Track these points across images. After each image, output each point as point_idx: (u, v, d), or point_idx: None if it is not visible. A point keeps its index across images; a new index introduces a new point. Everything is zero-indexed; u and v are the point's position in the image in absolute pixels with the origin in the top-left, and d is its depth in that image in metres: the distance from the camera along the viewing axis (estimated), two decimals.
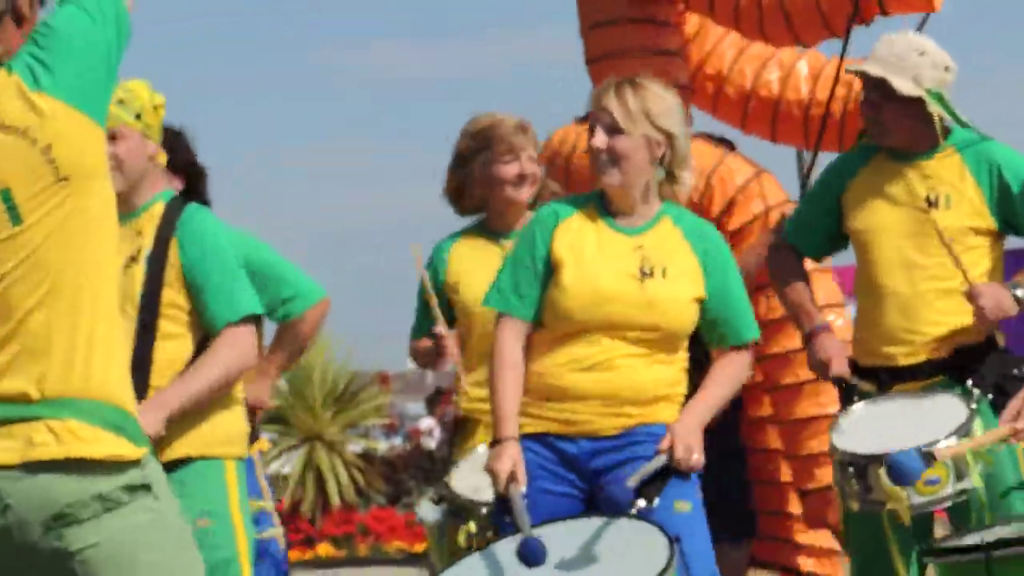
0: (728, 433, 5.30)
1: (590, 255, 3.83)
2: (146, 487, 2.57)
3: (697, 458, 3.82)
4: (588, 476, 3.90)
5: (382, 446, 13.39)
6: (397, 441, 13.83)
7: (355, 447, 12.42)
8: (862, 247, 4.43)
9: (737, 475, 5.71)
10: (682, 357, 3.93)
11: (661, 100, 3.82)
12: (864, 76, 4.26)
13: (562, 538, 3.73)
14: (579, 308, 3.80)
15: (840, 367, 4.38)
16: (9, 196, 2.48)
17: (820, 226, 4.55)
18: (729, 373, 3.97)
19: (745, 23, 5.66)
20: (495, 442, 3.90)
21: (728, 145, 6.01)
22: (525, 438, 3.88)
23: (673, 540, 3.59)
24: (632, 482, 3.79)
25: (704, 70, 6.08)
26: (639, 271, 3.84)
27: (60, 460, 2.50)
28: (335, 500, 11.64)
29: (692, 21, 6.00)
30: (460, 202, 4.81)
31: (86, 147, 2.56)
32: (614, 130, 3.78)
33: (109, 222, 2.60)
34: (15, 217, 2.49)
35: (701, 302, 3.91)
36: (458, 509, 4.32)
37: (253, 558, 4.17)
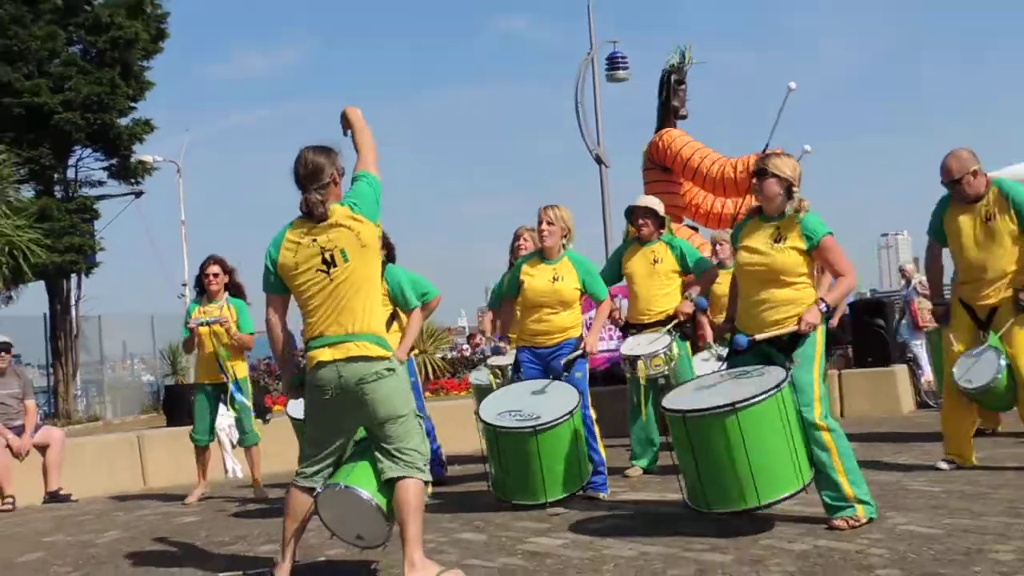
0: None
1: None
2: (392, 369, 4.86)
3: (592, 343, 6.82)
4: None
5: (449, 355, 23.23)
6: (455, 354, 24.38)
7: (439, 355, 22.03)
8: None
9: None
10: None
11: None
12: None
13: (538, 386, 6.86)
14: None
15: None
16: (344, 252, 4.84)
17: None
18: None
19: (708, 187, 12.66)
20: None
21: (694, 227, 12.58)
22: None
23: (580, 395, 6.65)
24: (563, 361, 6.72)
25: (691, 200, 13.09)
26: None
27: (358, 356, 4.83)
28: (431, 376, 20.22)
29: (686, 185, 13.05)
30: None
31: (372, 235, 4.88)
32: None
33: (378, 263, 4.92)
34: (345, 258, 4.85)
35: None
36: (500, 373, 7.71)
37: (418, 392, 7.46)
